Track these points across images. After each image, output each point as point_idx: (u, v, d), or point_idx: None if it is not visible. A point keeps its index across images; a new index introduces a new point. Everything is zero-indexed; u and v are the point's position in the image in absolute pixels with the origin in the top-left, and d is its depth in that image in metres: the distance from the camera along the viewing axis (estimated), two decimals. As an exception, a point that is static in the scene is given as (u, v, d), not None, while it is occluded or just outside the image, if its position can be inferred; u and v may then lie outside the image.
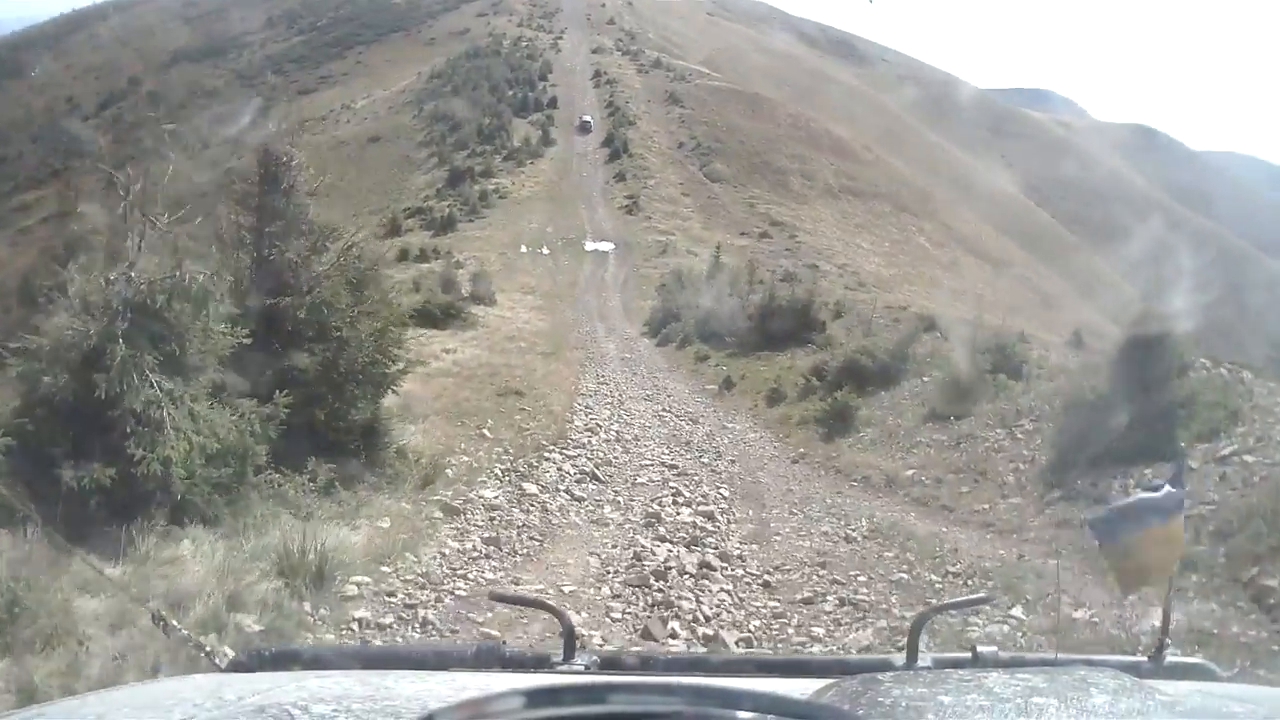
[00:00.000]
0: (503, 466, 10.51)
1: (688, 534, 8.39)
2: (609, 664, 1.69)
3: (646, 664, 1.73)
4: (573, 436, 12.87)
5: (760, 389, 17.69)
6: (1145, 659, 1.64)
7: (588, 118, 76.30)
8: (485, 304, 28.64)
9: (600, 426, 13.97)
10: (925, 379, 14.59)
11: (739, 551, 7.98)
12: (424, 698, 1.27)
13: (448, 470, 9.83)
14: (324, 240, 8.26)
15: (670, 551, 7.77)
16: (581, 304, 34.22)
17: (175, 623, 2.52)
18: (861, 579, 7.32)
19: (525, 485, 9.89)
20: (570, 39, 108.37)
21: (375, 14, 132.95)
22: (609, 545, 8.18)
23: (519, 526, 8.54)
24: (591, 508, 9.44)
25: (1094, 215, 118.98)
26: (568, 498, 9.74)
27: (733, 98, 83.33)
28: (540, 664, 1.67)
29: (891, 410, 13.79)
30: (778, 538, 8.48)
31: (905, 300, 28.94)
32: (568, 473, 10.83)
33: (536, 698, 0.82)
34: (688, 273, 34.37)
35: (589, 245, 47.30)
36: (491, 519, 8.63)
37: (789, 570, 7.51)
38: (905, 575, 7.32)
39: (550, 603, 2.17)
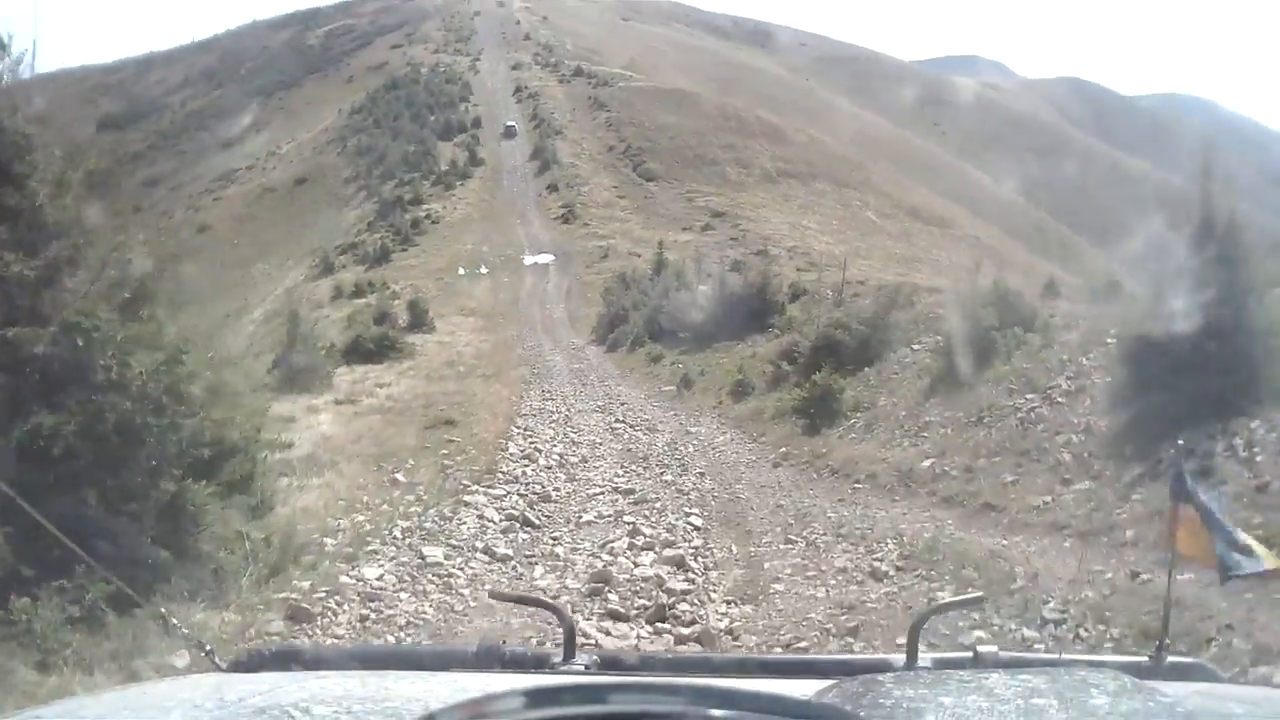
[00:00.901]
0: (406, 524, 8.09)
1: (650, 599, 6.18)
2: (609, 664, 1.65)
3: (647, 664, 1.71)
4: (505, 468, 10.62)
5: (723, 383, 15.67)
6: (1146, 659, 1.57)
7: (511, 123, 75.51)
8: (424, 331, 27.48)
9: (540, 451, 11.84)
10: (915, 347, 12.48)
11: (726, 623, 5.68)
12: (424, 698, 1.24)
13: (327, 542, 7.34)
14: (84, 247, 5.74)
15: (626, 637, 5.35)
16: (525, 320, 33.09)
17: (175, 621, 2.08)
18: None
19: (429, 550, 7.44)
20: (488, 59, 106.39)
21: (290, 59, 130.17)
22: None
23: (402, 625, 6.08)
24: (517, 570, 7.05)
25: (1030, 172, 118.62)
26: (485, 561, 7.41)
27: (657, 97, 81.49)
28: (541, 664, 1.64)
29: (882, 388, 11.65)
30: (778, 587, 6.21)
31: (863, 275, 27.04)
32: (491, 520, 8.60)
33: (537, 698, 0.81)
34: (631, 273, 33.18)
35: (528, 259, 46.28)
36: (364, 618, 6.13)
37: (806, 649, 5.06)
38: (987, 637, 4.90)
39: (551, 601, 2.26)
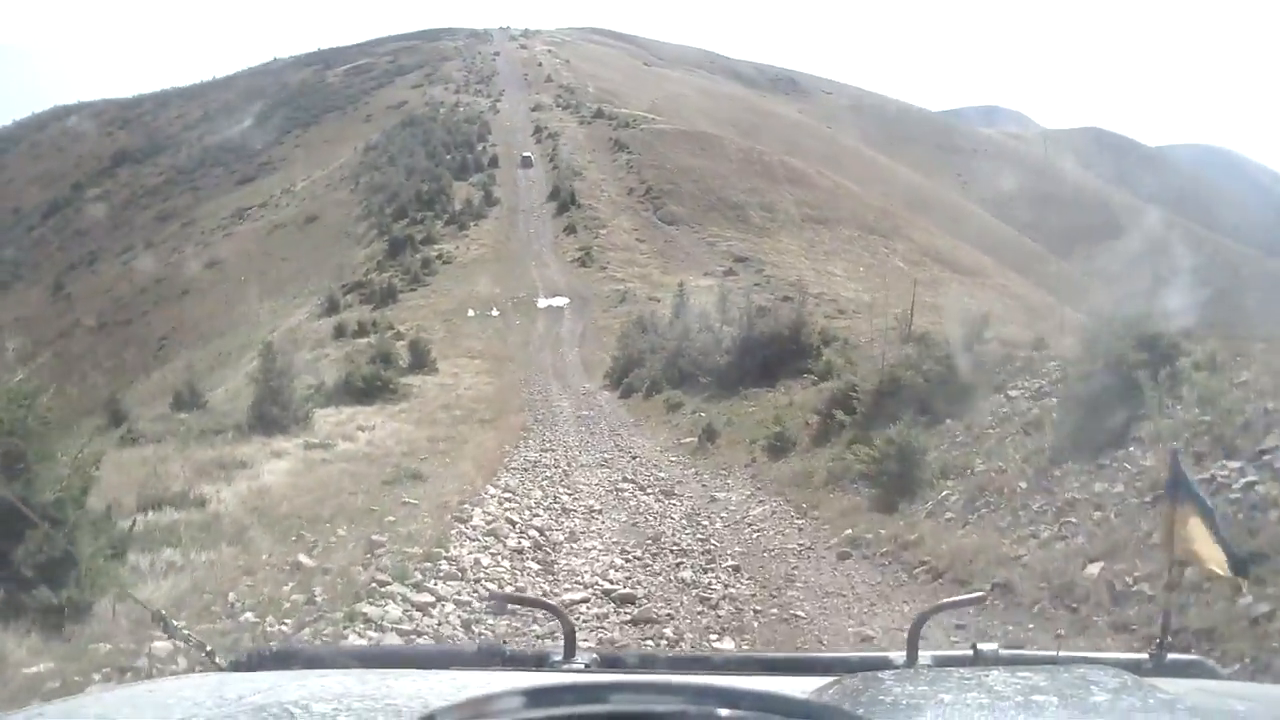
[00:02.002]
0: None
1: None
2: (610, 663, 1.64)
3: (647, 663, 1.70)
4: (455, 550, 7.64)
5: (755, 436, 12.96)
6: (1145, 657, 1.56)
7: (528, 154, 75.32)
8: (425, 373, 25.79)
9: (514, 524, 8.86)
10: (1012, 393, 9.49)
11: None
12: (425, 696, 1.25)
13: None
14: None
15: None
16: (535, 363, 31.36)
17: (175, 621, 2.07)
18: None
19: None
20: (509, 100, 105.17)
21: (310, 96, 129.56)
22: None
23: None
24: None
25: (1053, 222, 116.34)
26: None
27: (680, 139, 79.56)
28: (541, 663, 1.62)
29: (976, 448, 8.62)
30: None
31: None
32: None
33: (537, 697, 0.81)
34: (649, 316, 30.90)
35: (541, 302, 44.68)
36: None
37: None
38: None
39: (551, 602, 2.20)
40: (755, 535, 8.43)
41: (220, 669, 1.62)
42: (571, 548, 7.98)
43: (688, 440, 14.97)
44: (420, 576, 6.71)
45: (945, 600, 2.09)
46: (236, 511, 8.33)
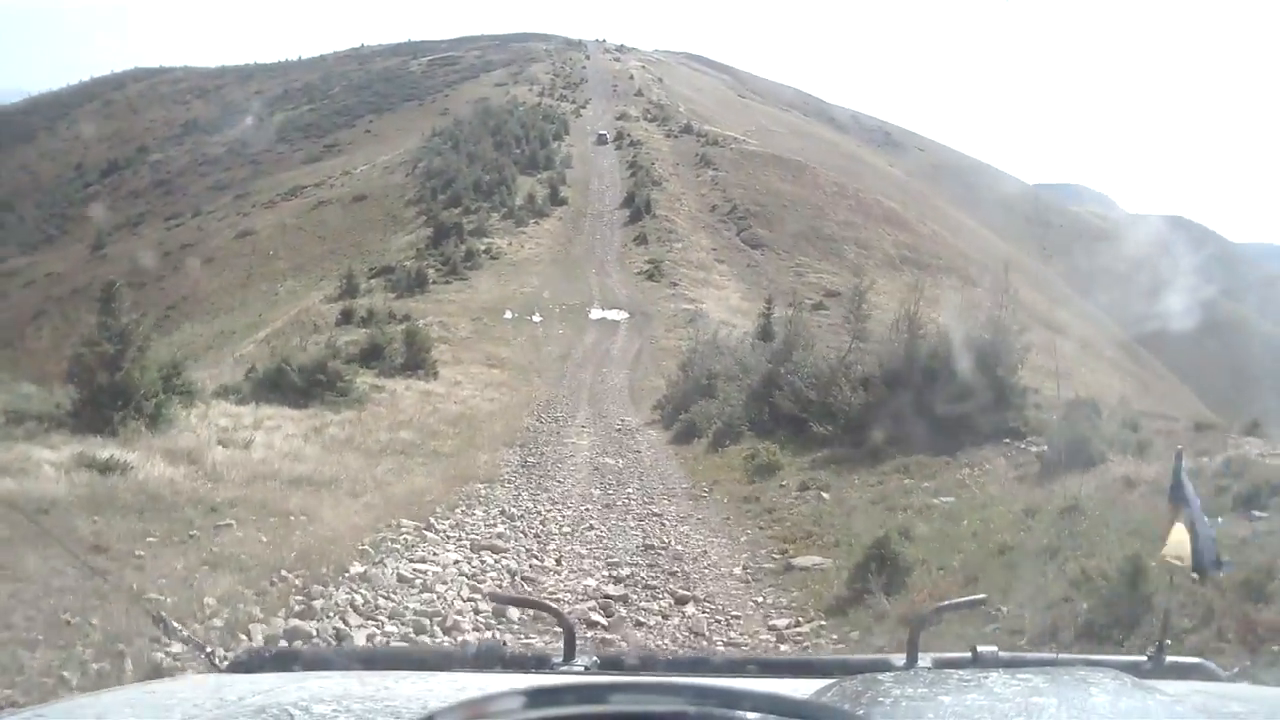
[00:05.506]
0: None
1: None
2: (609, 664, 1.63)
3: (647, 664, 1.68)
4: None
5: (1012, 584, 5.66)
6: (1145, 659, 1.57)
7: (604, 131, 73.27)
8: (416, 376, 20.63)
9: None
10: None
11: None
12: (424, 698, 1.25)
13: None
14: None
15: None
16: (568, 381, 25.43)
17: (175, 623, 2.38)
18: None
19: None
20: (594, 108, 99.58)
21: (390, 83, 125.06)
22: None
23: None
24: None
25: (1136, 308, 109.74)
26: None
27: (772, 163, 73.28)
28: (541, 664, 1.62)
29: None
30: None
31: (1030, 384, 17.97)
32: None
33: (537, 698, 0.81)
34: (726, 338, 23.75)
35: (595, 313, 39.39)
36: None
37: None
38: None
39: (549, 603, 2.18)
40: None
41: (219, 669, 1.60)
42: None
43: (777, 555, 8.06)
44: None
45: (945, 603, 2.12)
46: None
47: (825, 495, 9.47)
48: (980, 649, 1.50)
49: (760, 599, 6.93)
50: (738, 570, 7.66)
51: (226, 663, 1.64)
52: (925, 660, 1.53)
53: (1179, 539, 1.70)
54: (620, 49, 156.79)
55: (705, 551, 8.28)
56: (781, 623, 6.31)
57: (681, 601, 6.71)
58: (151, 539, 6.48)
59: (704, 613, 6.51)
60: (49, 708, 1.30)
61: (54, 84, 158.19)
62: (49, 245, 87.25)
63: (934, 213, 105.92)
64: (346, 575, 6.55)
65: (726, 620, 6.36)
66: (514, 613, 6.15)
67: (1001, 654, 1.50)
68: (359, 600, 6.12)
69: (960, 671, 1.25)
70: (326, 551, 6.81)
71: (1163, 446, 9.83)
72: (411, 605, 6.22)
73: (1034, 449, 9.41)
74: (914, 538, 6.87)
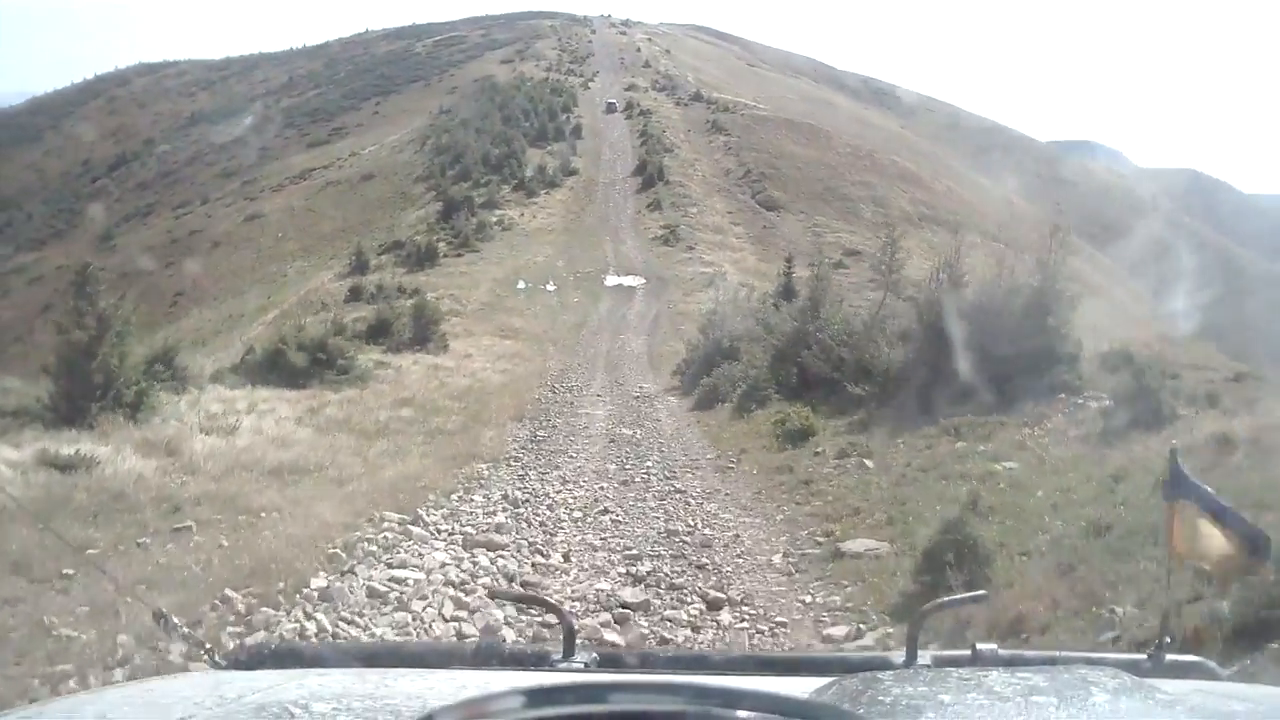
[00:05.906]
0: None
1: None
2: (609, 662, 1.59)
3: (647, 662, 1.65)
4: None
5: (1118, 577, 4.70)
6: (1145, 657, 1.53)
7: (613, 100, 73.78)
8: (425, 350, 20.07)
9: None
10: None
11: None
12: (424, 696, 1.23)
13: None
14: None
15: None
16: (585, 350, 24.61)
17: (176, 620, 1.99)
18: None
19: None
20: (602, 80, 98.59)
21: (395, 65, 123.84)
22: None
23: None
24: None
25: (1152, 264, 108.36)
26: None
27: (784, 126, 72.07)
28: (540, 662, 1.57)
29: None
30: None
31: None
32: None
33: (537, 696, 0.80)
34: (746, 297, 22.82)
35: (610, 280, 38.76)
36: None
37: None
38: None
39: (550, 600, 2.22)
40: None
41: (219, 667, 1.57)
42: None
43: (821, 539, 6.98)
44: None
45: (944, 599, 2.04)
46: None
47: (868, 463, 8.62)
48: (980, 646, 1.46)
49: (807, 598, 5.97)
50: (777, 559, 6.78)
51: (226, 660, 1.59)
52: (924, 658, 1.49)
53: (1192, 532, 1.57)
54: (626, 23, 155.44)
55: (737, 535, 7.41)
56: (838, 632, 5.32)
57: (714, 606, 5.80)
58: (93, 550, 5.67)
59: (742, 620, 5.60)
60: (49, 706, 1.33)
61: (58, 83, 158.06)
62: (58, 240, 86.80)
63: (948, 171, 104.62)
64: (304, 592, 5.65)
65: (771, 629, 5.45)
66: (509, 633, 5.35)
67: (1001, 652, 1.47)
68: (311, 629, 5.17)
69: (959, 670, 1.21)
70: (290, 558, 5.97)
71: (1232, 401, 8.93)
72: (379, 631, 5.29)
73: (1094, 404, 8.49)
74: (982, 513, 5.92)
